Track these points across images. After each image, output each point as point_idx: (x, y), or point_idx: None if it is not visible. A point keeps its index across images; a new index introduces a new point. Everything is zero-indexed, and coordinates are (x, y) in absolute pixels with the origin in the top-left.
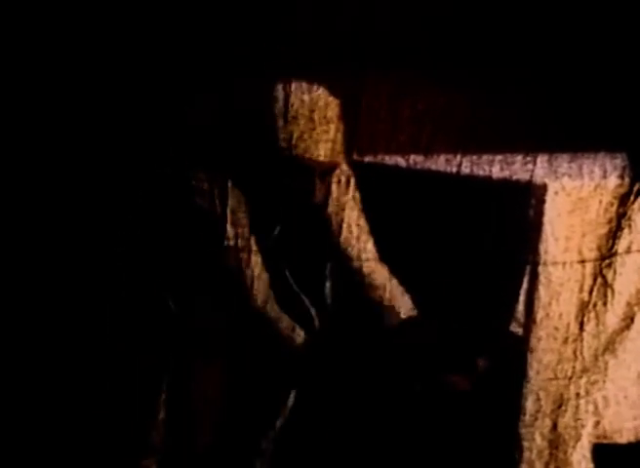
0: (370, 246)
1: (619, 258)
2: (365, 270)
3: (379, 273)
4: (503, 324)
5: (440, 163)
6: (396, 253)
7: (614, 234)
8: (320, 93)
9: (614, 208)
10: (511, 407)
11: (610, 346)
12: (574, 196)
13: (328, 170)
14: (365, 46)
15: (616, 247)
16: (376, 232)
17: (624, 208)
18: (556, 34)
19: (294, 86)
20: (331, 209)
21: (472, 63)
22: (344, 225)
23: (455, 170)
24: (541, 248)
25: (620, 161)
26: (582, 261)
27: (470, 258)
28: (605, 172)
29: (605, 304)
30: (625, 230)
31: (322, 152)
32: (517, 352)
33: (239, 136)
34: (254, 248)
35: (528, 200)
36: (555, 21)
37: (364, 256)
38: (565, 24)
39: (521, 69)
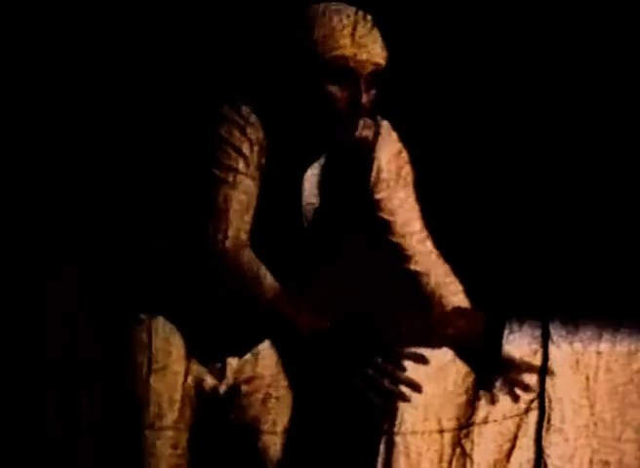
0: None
1: (476, 428)
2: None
3: None
4: None
5: None
6: None
7: (471, 404)
8: None
9: (470, 378)
10: None
11: None
12: (433, 365)
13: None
14: None
15: (473, 417)
16: None
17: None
18: None
19: None
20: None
21: None
22: None
23: None
24: (400, 416)
25: None
26: (441, 431)
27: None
28: None
29: None
30: (482, 400)
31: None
32: None
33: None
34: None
35: None
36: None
37: None
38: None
39: None
